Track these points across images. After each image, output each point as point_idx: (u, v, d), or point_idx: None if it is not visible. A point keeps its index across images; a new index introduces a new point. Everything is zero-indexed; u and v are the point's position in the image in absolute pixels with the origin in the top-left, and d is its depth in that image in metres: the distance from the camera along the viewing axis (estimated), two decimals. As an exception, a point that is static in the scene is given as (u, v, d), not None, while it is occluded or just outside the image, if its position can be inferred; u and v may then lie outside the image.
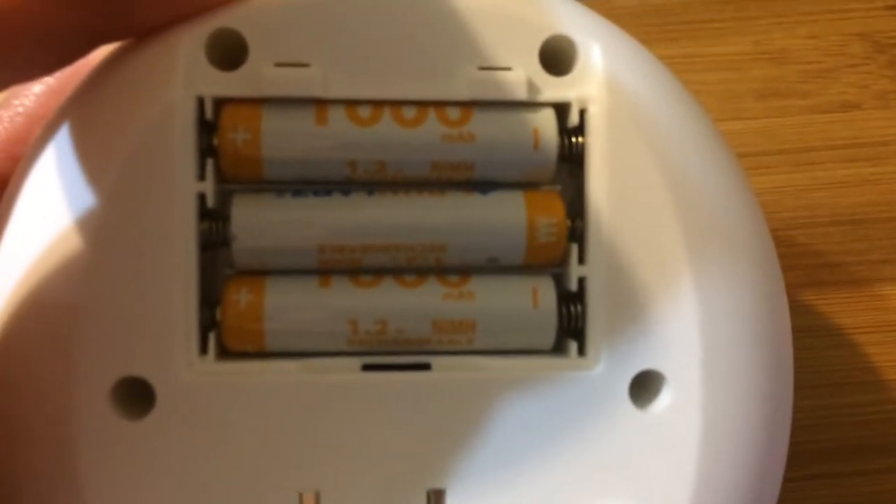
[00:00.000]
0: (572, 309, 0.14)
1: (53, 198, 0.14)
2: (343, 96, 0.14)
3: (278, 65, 0.14)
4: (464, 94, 0.14)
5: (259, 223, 0.14)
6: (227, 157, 0.14)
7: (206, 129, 0.14)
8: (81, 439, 0.13)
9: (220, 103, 0.14)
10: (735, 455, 0.14)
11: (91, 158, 0.14)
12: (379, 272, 0.14)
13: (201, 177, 0.14)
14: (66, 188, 0.14)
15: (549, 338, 0.14)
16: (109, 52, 0.14)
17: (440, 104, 0.14)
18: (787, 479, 0.15)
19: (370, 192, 0.14)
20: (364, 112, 0.14)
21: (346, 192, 0.14)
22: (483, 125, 0.14)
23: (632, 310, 0.14)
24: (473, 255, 0.14)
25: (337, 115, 0.14)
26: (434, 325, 0.14)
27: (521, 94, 0.14)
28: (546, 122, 0.14)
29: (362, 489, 0.14)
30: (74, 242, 0.13)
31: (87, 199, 0.13)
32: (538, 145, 0.14)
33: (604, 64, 0.14)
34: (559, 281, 0.15)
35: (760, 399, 0.14)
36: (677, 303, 0.14)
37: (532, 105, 0.14)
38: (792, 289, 0.21)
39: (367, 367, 0.14)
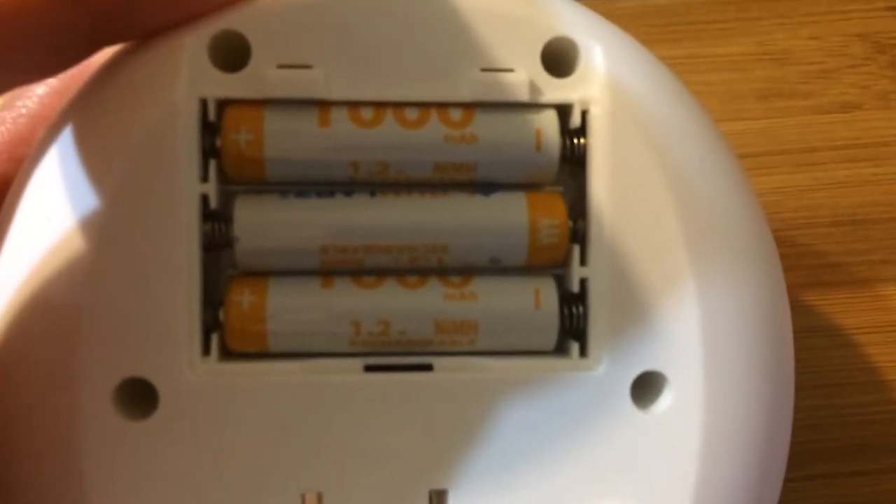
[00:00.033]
0: (574, 310, 0.14)
1: (57, 199, 0.14)
2: (346, 98, 0.14)
3: (281, 66, 0.14)
4: (466, 95, 0.14)
5: (262, 224, 0.14)
6: (229, 159, 0.14)
7: (209, 130, 0.14)
8: (85, 440, 0.13)
9: (223, 105, 0.14)
10: (736, 455, 0.14)
11: (94, 160, 0.14)
12: (381, 273, 0.14)
13: (204, 178, 0.14)
14: (70, 189, 0.14)
15: (550, 339, 0.14)
16: (112, 53, 0.14)
17: (442, 105, 0.14)
18: (788, 479, 0.15)
19: (373, 194, 0.14)
20: (367, 113, 0.14)
21: (348, 193, 0.14)
22: (485, 126, 0.14)
23: (633, 311, 0.14)
24: (475, 256, 0.14)
25: (340, 117, 0.14)
26: (436, 325, 0.14)
27: (524, 95, 0.14)
28: (548, 123, 0.14)
29: (365, 490, 0.14)
30: (78, 244, 0.13)
31: (90, 200, 0.13)
32: (540, 146, 0.14)
33: (606, 65, 0.14)
34: (561, 282, 0.15)
35: (762, 399, 0.14)
36: (679, 304, 0.14)
37: (534, 106, 0.14)
38: (793, 289, 0.21)
39: (369, 368, 0.14)
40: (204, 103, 0.14)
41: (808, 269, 0.23)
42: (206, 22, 0.14)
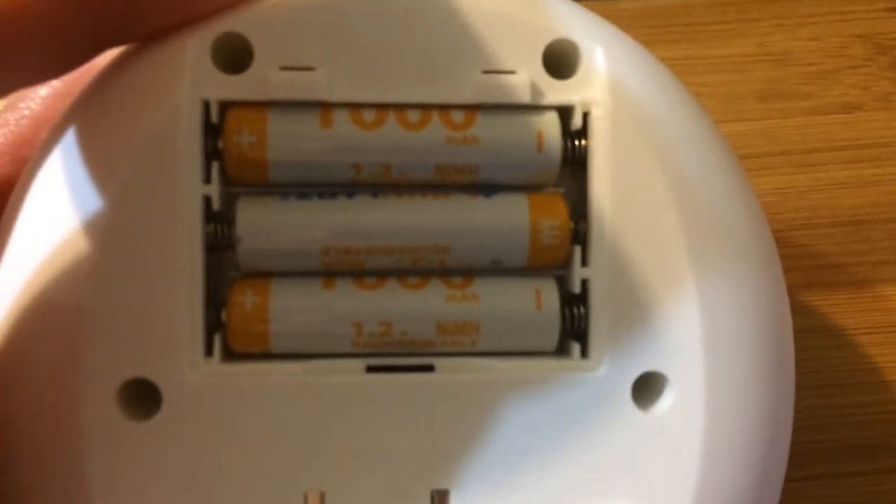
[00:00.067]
0: (575, 311, 0.14)
1: (60, 201, 0.14)
2: (348, 100, 0.14)
3: (283, 68, 0.14)
4: (468, 97, 0.14)
5: (264, 225, 0.14)
6: (232, 160, 0.14)
7: (212, 132, 0.14)
8: (88, 440, 0.13)
9: (225, 107, 0.14)
10: (737, 455, 0.14)
11: (97, 161, 0.14)
12: (383, 274, 0.14)
13: (207, 180, 0.14)
14: (73, 191, 0.14)
15: (552, 339, 0.14)
16: (115, 55, 0.14)
17: (444, 107, 0.14)
18: (788, 480, 0.15)
19: (375, 195, 0.14)
20: (368, 115, 0.14)
21: (350, 195, 0.14)
22: (487, 128, 0.14)
23: (635, 311, 0.14)
24: (477, 258, 0.14)
25: (341, 119, 0.14)
26: (438, 326, 0.14)
27: (525, 97, 0.14)
28: (549, 125, 0.14)
29: (366, 490, 0.14)
30: (81, 245, 0.13)
31: (93, 201, 0.13)
32: (542, 148, 0.14)
33: (607, 67, 0.14)
34: (562, 283, 0.15)
35: (762, 400, 0.14)
36: (680, 304, 0.14)
37: (535, 108, 0.14)
38: (793, 290, 0.21)
39: (371, 369, 0.14)
40: (206, 105, 0.14)
41: (809, 269, 0.23)
42: (208, 24, 0.14)
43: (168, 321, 0.13)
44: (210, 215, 0.14)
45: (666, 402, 0.14)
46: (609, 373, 0.14)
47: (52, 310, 0.13)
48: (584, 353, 0.14)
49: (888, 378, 0.22)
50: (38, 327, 0.14)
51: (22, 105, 0.16)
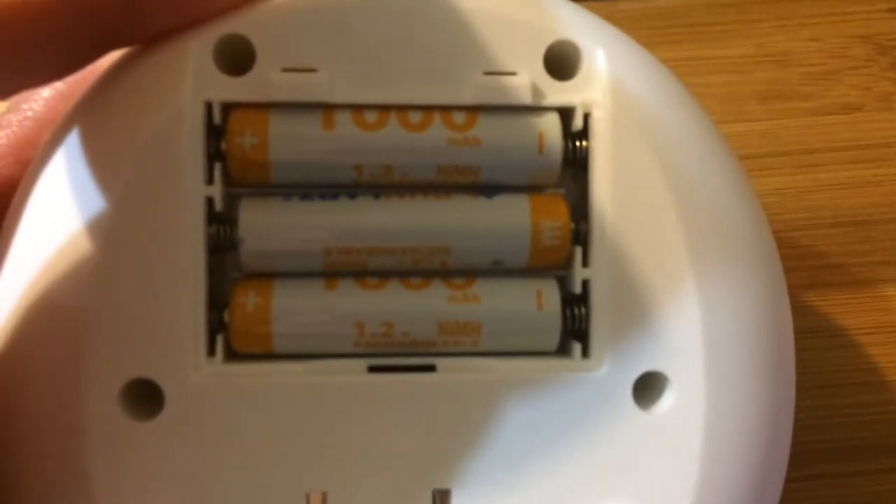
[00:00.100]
0: (576, 311, 0.14)
1: (63, 202, 0.14)
2: (350, 101, 0.14)
3: (286, 70, 0.14)
4: (469, 98, 0.14)
5: (266, 226, 0.14)
6: (234, 162, 0.14)
7: (214, 133, 0.14)
8: (91, 440, 0.13)
9: (227, 108, 0.14)
10: (737, 455, 0.14)
11: (100, 163, 0.14)
12: (385, 275, 0.14)
13: (209, 181, 0.14)
14: (76, 192, 0.14)
15: (553, 340, 0.14)
16: (118, 57, 0.14)
17: (446, 109, 0.14)
18: (789, 479, 0.15)
19: (376, 196, 0.14)
20: (370, 116, 0.14)
21: (352, 196, 0.14)
22: (488, 129, 0.14)
23: (635, 312, 0.14)
24: (478, 258, 0.14)
25: (343, 120, 0.14)
26: (439, 327, 0.14)
27: (526, 98, 0.14)
28: (550, 126, 0.14)
29: (368, 489, 0.14)
30: (84, 246, 0.13)
31: (96, 202, 0.14)
32: (543, 149, 0.14)
33: (608, 68, 0.14)
34: (563, 283, 0.15)
35: (763, 400, 0.14)
36: (680, 304, 0.14)
37: (537, 109, 0.14)
38: (794, 290, 0.21)
39: (373, 369, 0.14)
40: (209, 107, 0.14)
41: (809, 269, 0.23)
42: (210, 26, 0.14)
43: (171, 322, 0.14)
44: (212, 216, 0.14)
45: (667, 402, 0.14)
46: (610, 373, 0.14)
47: (55, 310, 0.13)
48: (585, 353, 0.14)
49: (889, 378, 0.22)
50: (42, 328, 0.14)
51: (25, 106, 0.16)
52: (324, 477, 0.14)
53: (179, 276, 0.14)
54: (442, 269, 0.14)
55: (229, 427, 0.14)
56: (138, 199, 0.14)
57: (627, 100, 0.14)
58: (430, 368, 0.14)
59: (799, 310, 0.22)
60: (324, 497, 0.14)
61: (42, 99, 0.16)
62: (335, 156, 0.14)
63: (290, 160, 0.14)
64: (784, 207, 0.23)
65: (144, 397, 0.14)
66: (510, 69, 0.14)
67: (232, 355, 0.14)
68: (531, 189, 0.15)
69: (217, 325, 0.14)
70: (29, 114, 0.16)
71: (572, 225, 0.14)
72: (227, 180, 0.14)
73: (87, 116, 0.14)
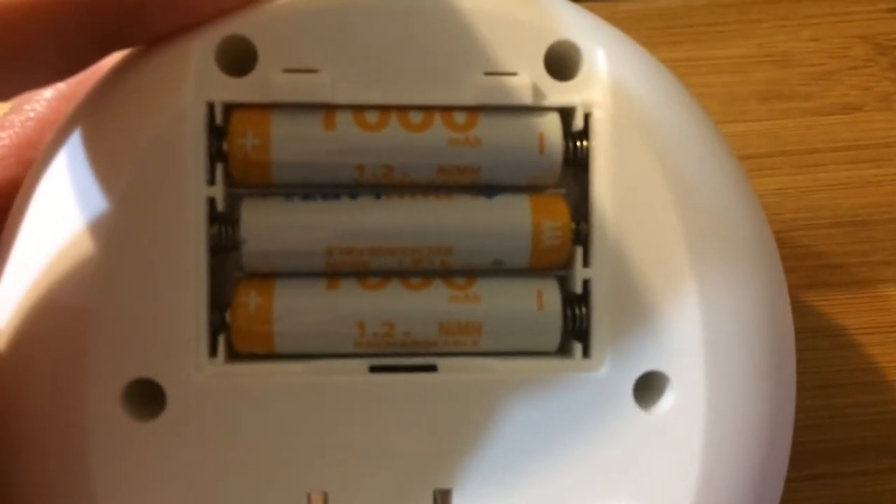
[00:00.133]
0: (577, 311, 0.14)
1: (65, 202, 0.14)
2: (351, 101, 0.14)
3: (287, 71, 0.14)
4: (470, 98, 0.14)
5: (268, 227, 0.14)
6: (236, 162, 0.14)
7: (216, 134, 0.14)
8: (93, 440, 0.13)
9: (229, 109, 0.14)
10: (738, 455, 0.14)
11: (102, 163, 0.14)
12: (386, 275, 0.14)
13: (211, 181, 0.14)
14: (78, 193, 0.14)
15: (553, 340, 0.14)
16: (120, 58, 0.14)
17: (446, 109, 0.14)
18: (789, 479, 0.15)
19: (377, 196, 0.14)
20: (371, 117, 0.14)
21: (353, 196, 0.14)
22: (489, 130, 0.14)
23: (636, 311, 0.14)
24: (479, 258, 0.14)
25: (345, 120, 0.14)
26: (440, 327, 0.14)
27: (527, 98, 0.14)
28: (551, 126, 0.14)
29: (369, 489, 0.14)
30: (86, 246, 0.13)
31: (98, 203, 0.14)
32: (543, 149, 0.14)
33: (608, 68, 0.14)
34: (564, 283, 0.15)
35: (763, 400, 0.14)
36: (681, 304, 0.14)
37: (537, 109, 0.14)
38: (794, 290, 0.21)
39: (374, 369, 0.14)
40: (211, 107, 0.14)
41: (809, 269, 0.23)
42: (212, 27, 0.14)
43: (173, 322, 0.14)
44: (214, 217, 0.14)
45: (667, 401, 0.14)
46: (610, 373, 0.14)
47: (57, 311, 0.14)
48: (586, 353, 0.14)
49: (889, 378, 0.22)
50: (44, 328, 0.14)
51: (27, 107, 0.16)
52: (325, 477, 0.14)
53: (181, 276, 0.14)
54: (443, 269, 0.15)
55: (231, 427, 0.14)
56: (140, 200, 0.14)
57: (628, 100, 0.14)
58: (431, 368, 0.14)
59: (799, 310, 0.22)
60: (325, 497, 0.14)
61: (44, 100, 0.16)
62: (336, 156, 0.14)
63: (292, 160, 0.14)
64: (784, 207, 0.23)
65: (146, 397, 0.14)
66: (511, 69, 0.14)
67: (233, 355, 0.14)
68: (532, 189, 0.15)
69: (219, 325, 0.14)
70: (31, 114, 0.16)
71: (573, 225, 0.14)
72: (229, 181, 0.14)
73: (89, 117, 0.14)
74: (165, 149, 0.14)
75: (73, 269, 0.14)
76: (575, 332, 0.14)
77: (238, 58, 0.14)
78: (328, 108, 0.14)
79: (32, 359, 0.14)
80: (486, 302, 0.14)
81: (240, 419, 0.14)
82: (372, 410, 0.14)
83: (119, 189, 0.14)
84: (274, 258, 0.14)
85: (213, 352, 0.14)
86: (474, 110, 0.14)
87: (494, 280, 0.15)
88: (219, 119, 0.14)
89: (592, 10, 0.15)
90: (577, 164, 0.15)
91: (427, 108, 0.14)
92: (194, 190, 0.14)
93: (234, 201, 0.14)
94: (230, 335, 0.14)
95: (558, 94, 0.14)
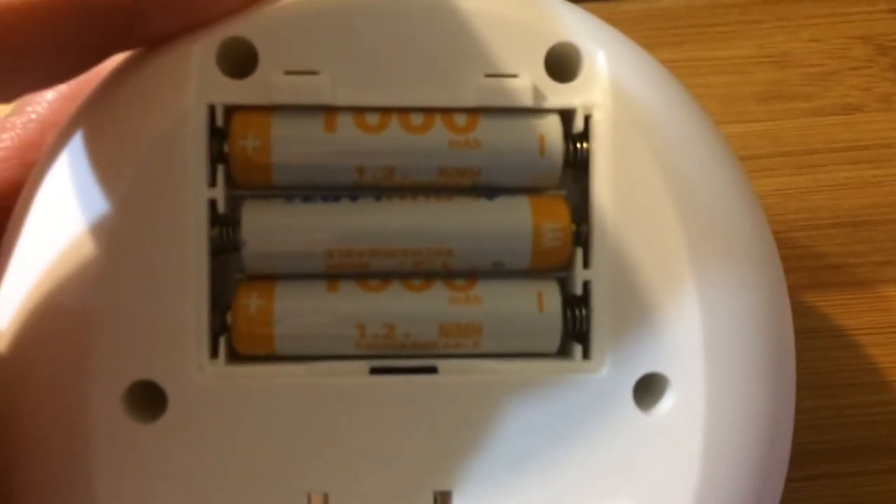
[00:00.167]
0: (577, 312, 0.14)
1: (67, 204, 0.14)
2: (351, 103, 0.14)
3: (288, 73, 0.14)
4: (470, 100, 0.14)
5: (269, 228, 0.14)
6: (237, 164, 0.14)
7: (217, 136, 0.14)
8: (95, 442, 0.13)
9: (230, 111, 0.14)
10: (738, 456, 0.14)
11: (104, 165, 0.14)
12: (386, 276, 0.15)
13: (212, 183, 0.14)
14: (80, 194, 0.14)
15: (554, 341, 0.15)
16: (121, 60, 0.14)
17: (447, 111, 0.14)
18: (789, 480, 0.15)
19: (378, 198, 0.14)
20: (372, 119, 0.14)
21: (354, 198, 0.14)
22: (489, 132, 0.14)
23: (636, 313, 0.14)
24: (479, 260, 0.14)
25: (345, 122, 0.14)
26: (441, 328, 0.14)
27: (527, 100, 0.14)
28: (551, 128, 0.14)
29: (370, 491, 0.14)
30: (88, 248, 0.14)
31: (99, 205, 0.14)
32: (544, 151, 0.14)
33: (608, 70, 0.14)
34: (564, 285, 0.15)
35: (763, 400, 0.14)
36: (681, 306, 0.14)
37: (538, 111, 0.14)
38: (794, 290, 0.21)
39: (374, 371, 0.14)
40: (212, 109, 0.14)
41: (810, 270, 0.23)
42: (213, 29, 0.14)
43: (174, 324, 0.14)
44: (215, 218, 0.14)
45: (667, 403, 0.14)
46: (611, 374, 0.14)
47: (58, 312, 0.14)
48: (586, 354, 0.14)
49: (889, 378, 0.22)
50: (45, 330, 0.14)
51: (29, 109, 0.16)
52: (325, 478, 0.14)
53: (182, 278, 0.14)
54: (443, 271, 0.15)
55: (232, 428, 0.14)
56: (141, 202, 0.14)
57: (628, 101, 0.14)
58: (432, 370, 0.14)
59: (799, 310, 0.22)
60: (325, 498, 0.14)
61: (46, 101, 0.16)
62: (337, 158, 0.14)
63: (293, 162, 0.14)
64: (784, 208, 0.23)
65: (148, 399, 0.14)
66: (511, 71, 0.14)
67: (234, 357, 0.14)
68: (532, 191, 0.15)
69: (220, 327, 0.14)
70: (33, 116, 0.16)
71: (573, 226, 0.14)
72: (230, 183, 0.14)
73: (90, 119, 0.14)
74: (167, 151, 0.14)
75: (74, 271, 0.14)
76: (575, 333, 0.14)
77: (239, 60, 0.14)
78: (329, 110, 0.14)
79: (34, 360, 0.14)
80: (487, 303, 0.14)
81: (241, 421, 0.14)
82: (372, 412, 0.14)
83: (120, 191, 0.14)
84: (275, 260, 0.14)
85: (214, 353, 0.14)
86: (475, 112, 0.14)
87: (495, 282, 0.15)
88: (220, 121, 0.14)
89: (593, 10, 0.15)
90: (577, 165, 0.15)
91: (427, 110, 0.14)
92: (195, 192, 0.14)
93: (234, 203, 0.14)
94: (231, 337, 0.14)
95: (559, 95, 0.14)
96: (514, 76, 0.14)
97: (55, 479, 0.14)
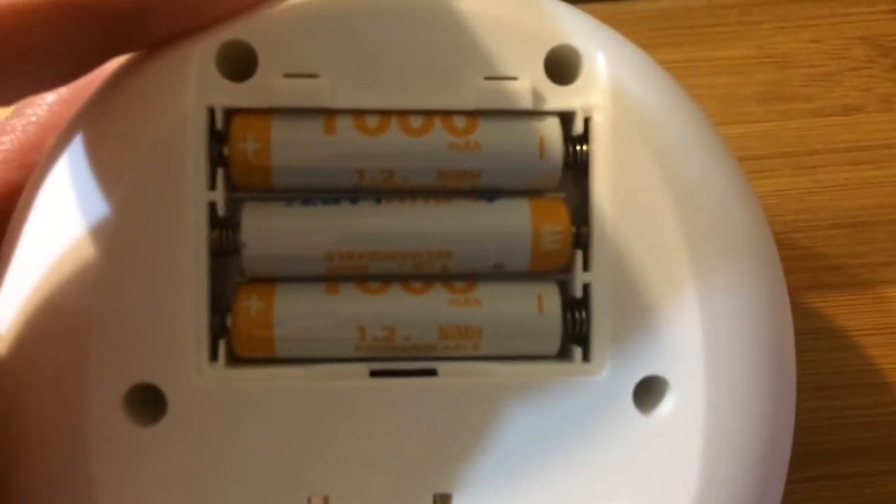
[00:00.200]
0: (577, 315, 0.14)
1: (67, 206, 0.14)
2: (351, 106, 0.14)
3: (287, 76, 0.14)
4: (470, 103, 0.14)
5: (268, 231, 0.14)
6: (237, 167, 0.14)
7: (217, 139, 0.14)
8: (94, 445, 0.13)
9: (230, 114, 0.14)
10: (738, 458, 0.14)
11: (103, 167, 0.14)
12: (386, 279, 0.15)
13: (212, 186, 0.14)
14: (80, 197, 0.14)
15: (554, 344, 0.15)
16: (121, 62, 0.14)
17: (447, 113, 0.14)
18: (789, 481, 0.15)
19: (378, 200, 0.14)
20: (372, 122, 0.14)
21: (354, 201, 0.14)
22: (489, 134, 0.14)
23: (636, 315, 0.14)
24: (479, 262, 0.14)
25: (345, 125, 0.14)
26: (440, 331, 0.14)
27: (527, 103, 0.14)
28: (551, 130, 0.14)
29: (370, 493, 0.14)
30: (88, 250, 0.14)
31: (99, 207, 0.14)
32: (543, 154, 0.14)
33: (608, 73, 0.14)
34: (564, 287, 0.15)
35: (763, 402, 0.14)
36: (681, 308, 0.14)
37: (537, 114, 0.14)
38: (794, 291, 0.21)
39: (374, 373, 0.14)
40: (212, 112, 0.14)
41: (810, 271, 0.23)
42: (213, 32, 0.14)
43: (173, 326, 0.14)
44: (215, 221, 0.14)
45: (667, 405, 0.14)
46: (611, 377, 0.14)
47: (58, 315, 0.14)
48: (586, 357, 0.14)
49: (890, 379, 0.22)
50: (45, 332, 0.14)
51: (29, 111, 0.16)
52: (325, 481, 0.14)
53: (182, 280, 0.14)
54: (443, 274, 0.15)
55: (231, 431, 0.14)
56: (141, 204, 0.14)
57: (627, 104, 0.14)
58: (432, 373, 0.14)
59: (799, 311, 0.22)
60: (325, 501, 0.14)
61: (46, 104, 0.17)
62: (337, 161, 0.14)
63: (293, 165, 0.14)
64: (784, 209, 0.23)
65: (147, 402, 0.14)
66: (511, 74, 0.14)
67: (234, 360, 0.14)
68: (532, 193, 0.15)
69: (219, 329, 0.14)
70: (33, 118, 0.16)
71: (573, 229, 0.14)
72: (230, 185, 0.14)
73: (90, 121, 0.14)
74: (166, 153, 0.14)
75: (74, 274, 0.14)
76: (575, 336, 0.15)
77: (239, 63, 0.14)
78: (328, 113, 0.14)
79: (34, 363, 0.14)
80: (487, 306, 0.14)
81: (240, 423, 0.14)
82: (372, 415, 0.14)
83: (120, 193, 0.14)
84: (274, 262, 0.14)
85: (213, 356, 0.14)
86: (474, 115, 0.14)
87: (494, 284, 0.15)
88: (219, 124, 0.14)
89: (592, 11, 0.15)
90: (577, 167, 0.15)
91: (427, 113, 0.14)
92: (195, 194, 0.14)
93: (234, 206, 0.14)
94: (231, 340, 0.14)
95: (558, 98, 0.14)
96: (514, 79, 0.14)
97: (55, 481, 0.14)
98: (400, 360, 0.14)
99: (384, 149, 0.14)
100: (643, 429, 0.14)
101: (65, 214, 0.14)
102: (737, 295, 0.14)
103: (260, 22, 0.14)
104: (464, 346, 0.14)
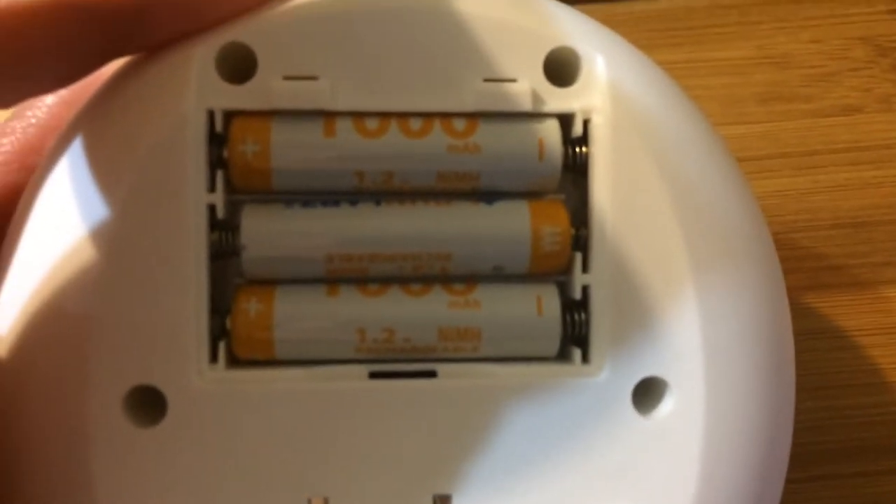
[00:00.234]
0: (576, 317, 0.14)
1: (67, 208, 0.14)
2: (351, 108, 0.14)
3: (287, 78, 0.14)
4: (469, 105, 0.14)
5: (268, 233, 0.14)
6: (236, 169, 0.14)
7: (217, 141, 0.14)
8: (95, 447, 0.13)
9: (230, 116, 0.14)
10: (737, 458, 0.14)
11: (103, 170, 0.14)
12: (386, 281, 0.15)
13: (212, 188, 0.14)
14: (79, 199, 0.14)
15: (553, 345, 0.15)
16: (121, 65, 0.14)
17: (446, 116, 0.14)
18: (789, 481, 0.15)
19: (377, 203, 0.14)
20: (371, 124, 0.14)
21: (353, 203, 0.14)
22: (488, 136, 0.14)
23: (635, 317, 0.14)
24: (479, 264, 0.15)
25: (345, 127, 0.14)
26: (440, 332, 0.14)
27: (526, 105, 0.14)
28: (550, 132, 0.14)
29: (370, 494, 0.14)
30: (88, 253, 0.14)
31: (99, 209, 0.14)
32: (543, 156, 0.14)
33: (607, 74, 0.14)
34: (563, 289, 0.15)
35: (763, 403, 0.14)
36: (680, 309, 0.14)
37: (536, 116, 0.14)
38: (794, 292, 0.22)
39: (374, 375, 0.14)
40: (211, 115, 0.14)
41: (810, 271, 0.23)
42: (213, 34, 0.14)
43: (173, 328, 0.14)
44: (215, 223, 0.14)
45: (666, 407, 0.14)
46: (610, 378, 0.14)
47: (59, 317, 0.14)
48: (585, 358, 0.14)
49: (890, 379, 0.22)
50: (46, 334, 0.14)
51: (28, 113, 0.16)
52: (325, 482, 0.14)
53: (182, 282, 0.14)
54: (442, 276, 0.15)
55: (231, 433, 0.14)
56: (141, 206, 0.14)
57: (627, 105, 0.14)
58: (431, 374, 0.14)
59: (799, 311, 0.22)
60: (325, 502, 0.14)
61: (46, 106, 0.17)
62: (336, 163, 0.14)
63: (292, 167, 0.14)
64: (784, 209, 0.23)
65: (147, 404, 0.14)
66: (510, 76, 0.14)
67: (234, 362, 0.14)
68: (531, 195, 0.15)
69: (219, 331, 0.14)
70: (33, 121, 0.16)
71: (572, 231, 0.14)
72: (230, 188, 0.14)
73: (90, 124, 0.14)
74: (166, 156, 0.14)
75: (74, 276, 0.14)
76: (574, 337, 0.15)
77: (238, 65, 0.14)
78: (328, 115, 0.14)
79: (34, 365, 0.14)
80: (486, 308, 0.14)
81: (240, 425, 0.14)
82: (372, 416, 0.14)
83: (120, 195, 0.14)
84: (274, 265, 0.14)
85: (213, 358, 0.14)
86: (474, 117, 0.14)
87: (494, 286, 0.15)
88: (219, 126, 0.14)
89: (591, 12, 0.15)
90: (576, 169, 0.15)
91: (427, 115, 0.14)
92: (195, 197, 0.14)
93: (234, 208, 0.14)
94: (231, 342, 0.14)
95: (557, 100, 0.14)
96: (513, 80, 0.14)
97: (56, 483, 0.14)
98: (400, 361, 0.14)
99: (384, 151, 0.14)
100: (642, 430, 0.14)
101: (65, 216, 0.14)
102: (736, 295, 0.14)
103: (259, 24, 0.14)
104: (463, 348, 0.14)
